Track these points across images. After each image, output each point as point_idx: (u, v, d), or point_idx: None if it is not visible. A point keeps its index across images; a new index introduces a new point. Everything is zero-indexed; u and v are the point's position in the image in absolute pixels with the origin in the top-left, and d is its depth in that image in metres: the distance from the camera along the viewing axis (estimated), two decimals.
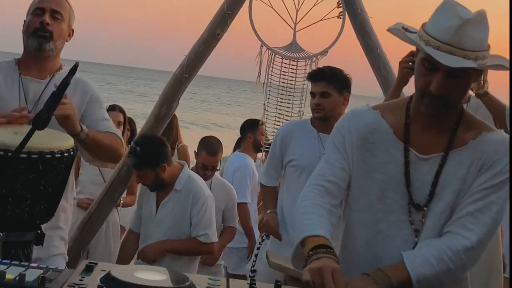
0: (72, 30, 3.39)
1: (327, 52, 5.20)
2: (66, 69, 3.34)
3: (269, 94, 5.21)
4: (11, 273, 1.88)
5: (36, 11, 3.26)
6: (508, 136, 2.39)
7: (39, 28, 3.22)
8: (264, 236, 4.69)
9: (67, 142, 2.79)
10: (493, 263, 4.16)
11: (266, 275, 4.56)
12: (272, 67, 5.18)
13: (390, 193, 2.37)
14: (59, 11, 3.28)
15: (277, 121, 5.30)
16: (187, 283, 1.95)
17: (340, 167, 2.42)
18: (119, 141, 3.27)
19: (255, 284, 2.07)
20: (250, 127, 6.24)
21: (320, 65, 5.12)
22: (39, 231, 2.73)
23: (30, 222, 2.71)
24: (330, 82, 4.28)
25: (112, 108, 5.72)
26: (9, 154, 2.54)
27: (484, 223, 2.28)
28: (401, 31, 2.34)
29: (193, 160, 5.77)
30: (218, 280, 2.11)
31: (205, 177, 5.21)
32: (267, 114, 5.27)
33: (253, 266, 4.82)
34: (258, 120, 5.70)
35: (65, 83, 2.56)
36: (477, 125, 2.40)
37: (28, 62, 3.26)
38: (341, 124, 2.50)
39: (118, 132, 3.34)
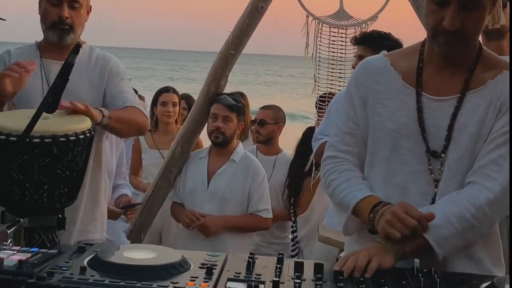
0: (90, 7, 3.30)
1: (377, 17, 4.98)
2: (86, 47, 3.29)
3: (318, 66, 5.04)
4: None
5: (52, 1, 3.14)
6: None
7: (58, 22, 3.15)
8: None
9: (83, 124, 2.76)
10: None
11: (317, 250, 4.48)
12: (320, 37, 5.01)
13: (403, 142, 2.24)
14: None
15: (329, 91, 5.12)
16: (177, 260, 1.88)
17: (348, 132, 2.34)
18: (141, 113, 3.19)
19: (253, 257, 1.98)
20: None
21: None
22: (60, 215, 2.72)
23: (50, 207, 2.70)
24: (367, 46, 4.15)
25: (166, 90, 5.77)
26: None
27: (507, 170, 2.11)
28: None
29: None
30: (218, 255, 2.03)
31: (257, 136, 5.36)
32: (318, 87, 5.10)
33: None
34: None
35: (68, 64, 2.53)
36: (497, 64, 2.24)
37: (49, 46, 3.24)
38: (349, 82, 2.44)
39: (139, 103, 3.27)
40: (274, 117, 5.48)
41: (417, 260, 2.00)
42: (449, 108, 2.20)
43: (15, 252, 1.95)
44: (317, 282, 1.86)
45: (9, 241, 2.37)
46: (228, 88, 5.13)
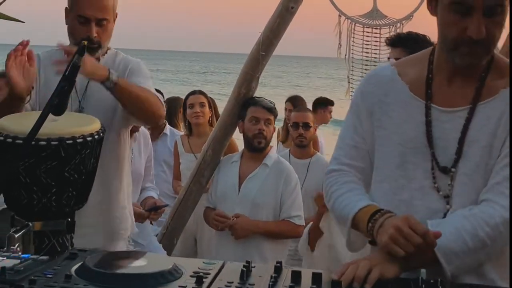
0: (116, 14, 3.26)
1: (412, 16, 4.86)
2: (111, 52, 3.28)
3: (352, 67, 4.93)
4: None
5: (80, 19, 3.11)
6: None
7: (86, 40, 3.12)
8: None
9: (91, 126, 2.71)
10: None
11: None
12: (353, 38, 4.90)
13: (409, 157, 2.12)
14: (104, 17, 3.13)
15: None
16: (167, 268, 1.81)
17: (353, 146, 2.25)
18: (154, 96, 3.07)
19: (249, 265, 1.89)
20: None
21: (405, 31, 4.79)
22: (69, 219, 2.68)
23: (59, 211, 2.66)
24: (406, 48, 3.96)
25: (192, 93, 5.76)
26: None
27: None
28: None
29: None
30: (214, 263, 1.96)
31: (301, 139, 5.20)
32: (352, 89, 4.99)
33: None
34: None
35: (74, 65, 2.47)
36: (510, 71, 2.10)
37: None
38: (355, 93, 2.35)
39: (155, 92, 3.17)
40: (313, 119, 5.41)
41: (423, 270, 1.89)
42: (460, 120, 2.08)
43: (4, 258, 1.91)
44: None
45: (16, 245, 2.33)
46: (280, 92, 5.07)
